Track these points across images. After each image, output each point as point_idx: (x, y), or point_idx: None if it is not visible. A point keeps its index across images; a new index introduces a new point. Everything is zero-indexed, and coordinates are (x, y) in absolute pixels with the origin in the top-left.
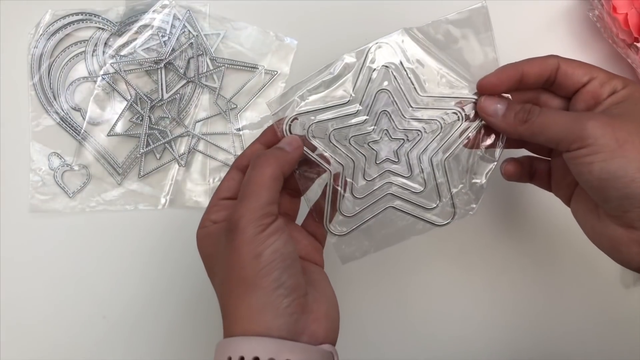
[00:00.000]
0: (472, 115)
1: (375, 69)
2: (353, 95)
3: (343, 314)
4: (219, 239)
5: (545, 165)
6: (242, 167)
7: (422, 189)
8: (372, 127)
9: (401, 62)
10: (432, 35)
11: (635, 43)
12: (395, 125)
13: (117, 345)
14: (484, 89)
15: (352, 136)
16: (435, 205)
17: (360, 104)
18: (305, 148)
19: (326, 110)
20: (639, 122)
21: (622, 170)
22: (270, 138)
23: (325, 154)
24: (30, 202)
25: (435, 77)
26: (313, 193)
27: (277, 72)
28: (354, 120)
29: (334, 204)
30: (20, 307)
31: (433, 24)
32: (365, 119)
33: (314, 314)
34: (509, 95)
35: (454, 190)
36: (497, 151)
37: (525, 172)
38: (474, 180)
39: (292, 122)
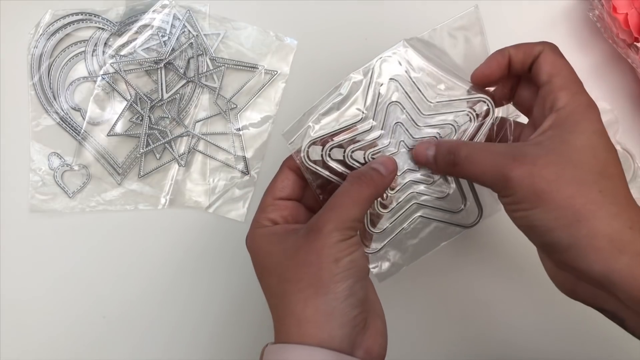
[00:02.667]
0: (482, 113)
1: (382, 84)
2: (365, 112)
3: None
4: (283, 238)
5: None
6: (294, 167)
7: (446, 192)
8: (389, 141)
9: (407, 73)
10: (431, 43)
11: (635, 43)
12: (411, 135)
13: (117, 345)
14: (478, 80)
15: (370, 152)
16: (462, 207)
17: (373, 120)
18: (324, 171)
19: (341, 131)
20: (565, 160)
21: (539, 221)
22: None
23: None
24: (30, 202)
25: (440, 83)
26: None
27: (277, 72)
28: (370, 137)
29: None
30: (20, 307)
31: (431, 32)
32: (381, 134)
33: (370, 330)
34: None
35: (478, 189)
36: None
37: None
38: None
39: (309, 148)
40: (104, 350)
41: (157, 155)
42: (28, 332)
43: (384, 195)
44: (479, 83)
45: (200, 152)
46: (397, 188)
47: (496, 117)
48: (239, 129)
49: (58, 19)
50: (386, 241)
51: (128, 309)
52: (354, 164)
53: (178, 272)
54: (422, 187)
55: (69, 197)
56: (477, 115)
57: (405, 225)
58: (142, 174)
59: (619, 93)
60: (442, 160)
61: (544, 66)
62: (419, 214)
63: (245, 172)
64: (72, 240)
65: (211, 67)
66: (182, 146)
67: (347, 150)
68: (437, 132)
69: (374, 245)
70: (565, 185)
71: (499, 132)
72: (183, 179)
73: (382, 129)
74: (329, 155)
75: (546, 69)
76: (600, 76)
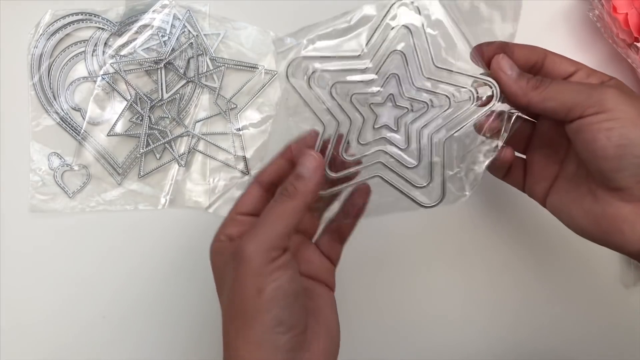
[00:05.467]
0: (484, 98)
1: (393, 27)
2: (365, 50)
3: (342, 315)
4: (230, 258)
5: (520, 162)
6: (264, 182)
7: (415, 164)
8: (378, 89)
9: (423, 26)
10: (461, 8)
11: (635, 43)
12: (403, 92)
13: (117, 346)
14: (478, 51)
15: (354, 93)
16: (425, 184)
17: (370, 61)
18: (299, 91)
19: (333, 60)
20: None
21: (635, 141)
22: (292, 155)
23: (325, 106)
24: (30, 202)
25: (455, 51)
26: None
27: (277, 72)
28: (361, 77)
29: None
30: (20, 307)
31: None
32: (373, 79)
33: (310, 352)
34: None
35: (448, 173)
36: (501, 140)
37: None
38: (471, 167)
39: (295, 64)
40: (104, 350)
41: (157, 155)
42: (28, 332)
43: (351, 142)
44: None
45: (200, 152)
46: (369, 140)
47: (496, 110)
48: (239, 129)
49: (58, 19)
50: (337, 189)
51: (128, 309)
52: (334, 98)
53: (178, 272)
54: (394, 150)
55: (69, 197)
56: (479, 97)
57: (361, 179)
58: (142, 174)
59: None
60: (525, 80)
61: (564, 60)
62: (379, 174)
63: (245, 172)
64: (72, 240)
65: (211, 67)
66: (182, 146)
67: (330, 82)
68: (431, 99)
69: (324, 188)
70: None
71: (497, 123)
72: (183, 179)
73: (375, 74)
74: (313, 81)
75: (567, 62)
76: None
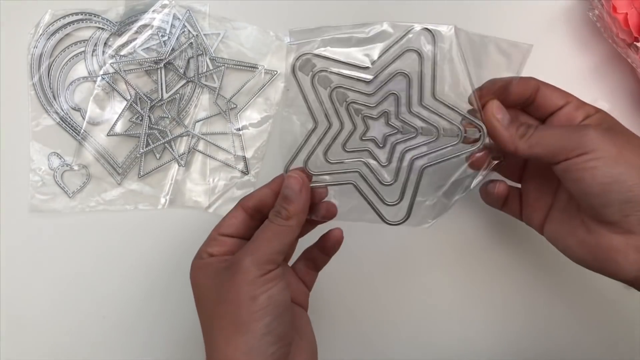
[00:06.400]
0: (471, 140)
1: (407, 50)
2: (374, 64)
3: (341, 318)
4: (215, 273)
5: (516, 191)
6: (247, 207)
7: (390, 182)
8: (375, 104)
9: (435, 57)
10: (475, 47)
11: (635, 43)
12: (398, 112)
13: (116, 345)
14: (493, 86)
15: (352, 102)
16: (393, 203)
17: (375, 76)
18: (301, 88)
19: (341, 66)
20: (627, 135)
21: (624, 175)
22: (279, 187)
23: (323, 106)
24: (30, 202)
25: (457, 87)
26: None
27: (277, 71)
28: (361, 88)
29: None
30: (20, 307)
31: (483, 36)
32: (373, 93)
33: None
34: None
35: (419, 199)
36: (475, 182)
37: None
38: (442, 197)
39: (304, 59)
40: (104, 350)
41: (157, 155)
42: (28, 332)
43: (337, 146)
44: (492, 89)
45: (200, 152)
46: (354, 149)
47: (481, 148)
48: (239, 129)
49: (58, 19)
50: (317, 184)
51: (128, 309)
52: (332, 102)
53: (178, 272)
54: (374, 163)
55: (69, 197)
56: (466, 137)
57: (335, 182)
58: (142, 174)
59: (619, 93)
60: (514, 128)
61: (555, 93)
62: (353, 181)
63: (245, 172)
64: (72, 240)
65: (211, 67)
66: (182, 146)
67: (332, 85)
68: (421, 126)
69: (316, 178)
70: (637, 148)
71: (480, 164)
72: (183, 179)
73: (376, 89)
74: (317, 80)
75: (557, 95)
76: (600, 76)
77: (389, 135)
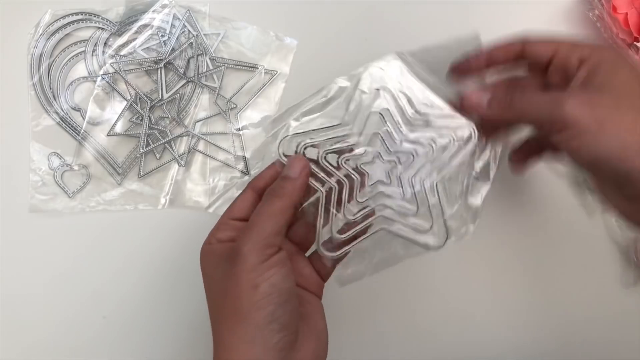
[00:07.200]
0: (464, 137)
1: (366, 93)
2: (345, 118)
3: (345, 316)
4: (220, 260)
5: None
6: (258, 188)
7: (415, 210)
8: (365, 149)
9: (393, 85)
10: (423, 59)
11: (635, 43)
12: (387, 147)
13: (116, 345)
14: (455, 69)
15: (344, 158)
16: (428, 228)
17: (352, 127)
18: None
19: (318, 132)
20: (617, 92)
21: (608, 152)
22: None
23: (319, 175)
24: (30, 202)
25: (426, 100)
26: (311, 215)
27: (277, 72)
28: (345, 144)
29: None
30: (20, 307)
31: (425, 49)
32: (357, 141)
33: (301, 352)
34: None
35: (448, 212)
36: (492, 172)
37: (533, 155)
38: (469, 202)
39: (286, 143)
40: (104, 350)
41: (157, 155)
42: (28, 332)
43: (351, 202)
44: (456, 71)
45: (200, 152)
46: (366, 197)
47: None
48: (238, 129)
49: (58, 19)
50: (343, 249)
51: (128, 309)
52: (326, 166)
53: (178, 272)
54: (392, 202)
55: (69, 197)
56: (457, 139)
57: (367, 235)
58: (142, 174)
59: None
60: (498, 103)
61: (540, 48)
62: (384, 226)
63: (245, 172)
64: (72, 240)
65: (211, 67)
66: (182, 146)
67: (320, 152)
68: (415, 149)
69: (334, 252)
70: (627, 111)
71: (479, 159)
72: (183, 179)
73: (359, 137)
74: (304, 154)
75: (542, 49)
76: None
77: (391, 170)
